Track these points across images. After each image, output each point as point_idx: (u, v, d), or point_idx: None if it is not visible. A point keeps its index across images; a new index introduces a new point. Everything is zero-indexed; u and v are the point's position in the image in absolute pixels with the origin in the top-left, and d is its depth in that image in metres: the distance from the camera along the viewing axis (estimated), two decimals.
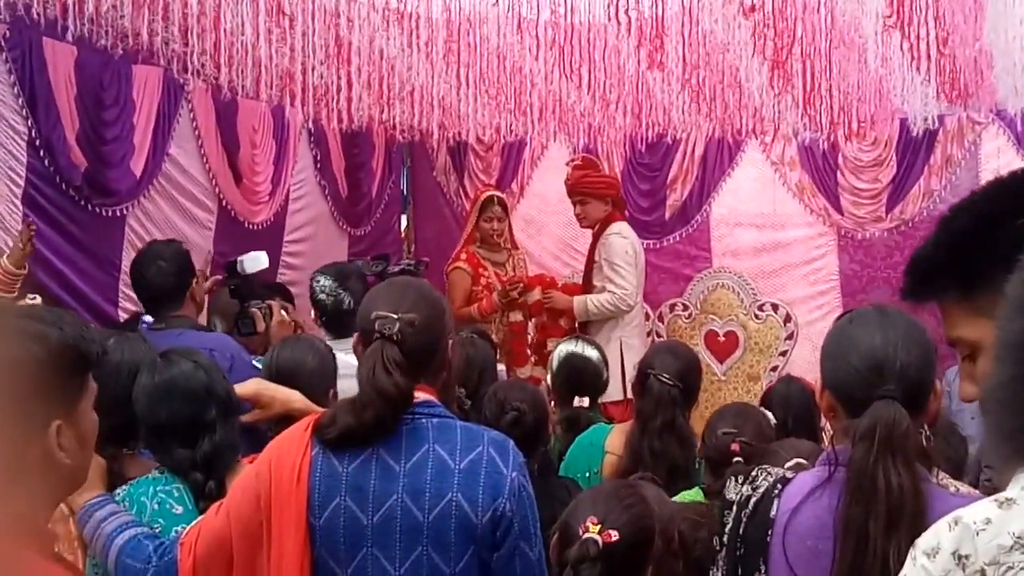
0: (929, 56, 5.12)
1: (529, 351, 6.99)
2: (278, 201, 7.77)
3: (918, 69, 5.49)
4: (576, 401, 4.41)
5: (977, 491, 2.16)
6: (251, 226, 7.49)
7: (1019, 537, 1.79)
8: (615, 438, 4.01)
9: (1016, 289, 0.61)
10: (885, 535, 1.99)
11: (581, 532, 2.36)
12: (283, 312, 4.95)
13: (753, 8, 4.68)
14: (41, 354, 1.69)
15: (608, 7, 4.44)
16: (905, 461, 2.12)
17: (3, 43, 5.58)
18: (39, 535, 1.71)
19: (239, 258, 5.38)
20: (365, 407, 2.49)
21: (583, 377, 4.55)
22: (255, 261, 5.29)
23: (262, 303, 4.97)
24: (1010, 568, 1.79)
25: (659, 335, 8.27)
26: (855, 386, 2.23)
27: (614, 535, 2.35)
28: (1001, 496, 1.87)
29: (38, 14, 4.67)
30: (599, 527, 2.36)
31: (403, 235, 9.48)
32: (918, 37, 4.88)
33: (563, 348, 4.74)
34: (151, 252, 4.87)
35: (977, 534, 1.82)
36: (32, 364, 1.68)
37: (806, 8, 5.07)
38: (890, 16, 4.77)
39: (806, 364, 7.36)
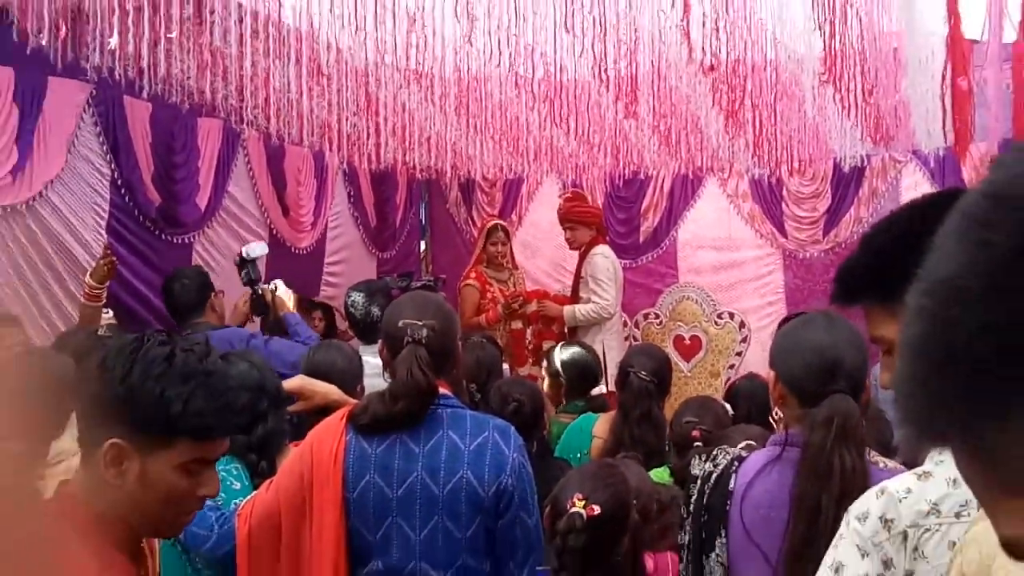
0: (857, 105, 5.12)
1: (527, 353, 6.98)
2: (319, 230, 7.78)
3: (848, 116, 5.49)
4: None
5: (902, 466, 2.13)
6: (296, 251, 7.49)
7: (935, 503, 1.78)
8: (601, 425, 3.99)
9: (912, 299, 0.60)
10: (836, 507, 1.96)
11: (568, 506, 2.34)
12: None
13: (712, 68, 4.67)
14: (134, 388, 1.62)
15: (592, 67, 4.44)
16: (856, 446, 2.11)
17: (91, 100, 5.60)
18: (111, 531, 1.65)
19: (244, 247, 5.46)
20: (397, 399, 2.49)
21: (576, 374, 4.53)
22: (257, 248, 5.37)
23: (267, 284, 5.10)
24: (927, 529, 1.77)
25: (635, 339, 8.24)
26: (809, 381, 2.20)
27: (596, 509, 2.33)
28: (919, 470, 1.86)
29: (120, 76, 4.67)
30: (584, 502, 2.33)
31: (422, 257, 9.49)
32: (848, 90, 4.87)
33: (567, 351, 4.70)
34: (178, 273, 5.11)
35: (900, 501, 1.81)
36: (114, 385, 1.63)
37: (754, 67, 5.07)
38: (824, 73, 4.77)
39: (758, 363, 7.33)
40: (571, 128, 5.93)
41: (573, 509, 2.32)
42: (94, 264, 5.02)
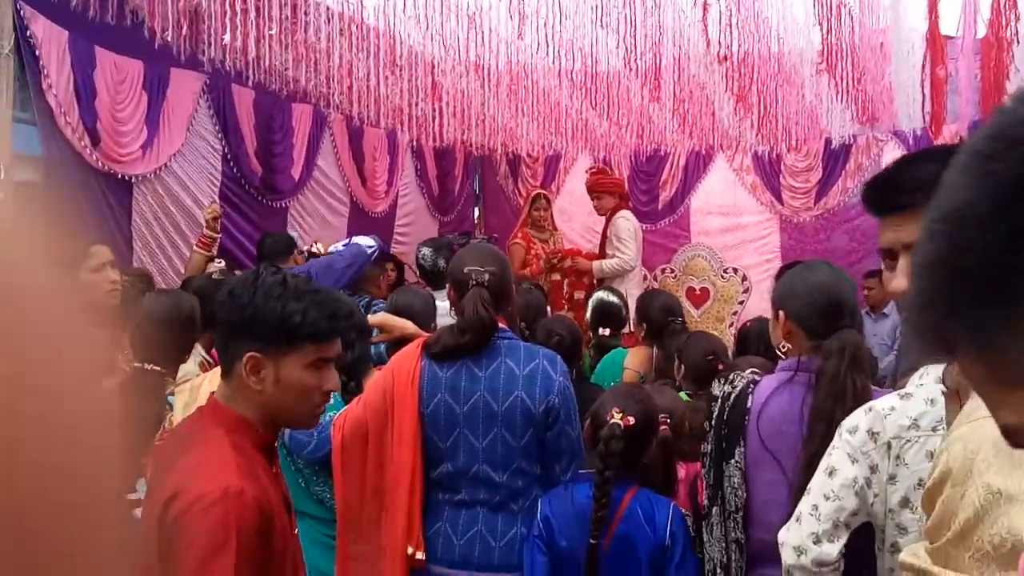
0: (848, 91, 5.01)
1: (564, 300, 6.97)
2: (391, 197, 7.78)
3: (840, 100, 5.37)
4: (600, 331, 4.37)
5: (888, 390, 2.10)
6: (373, 215, 7.50)
7: (914, 419, 1.76)
8: (630, 359, 3.97)
9: (926, 224, 0.60)
10: None
11: (608, 418, 2.34)
12: None
13: (725, 58, 4.59)
14: (261, 308, 1.65)
15: (623, 58, 4.38)
16: (864, 371, 2.08)
17: (205, 87, 5.61)
18: (251, 432, 1.69)
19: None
20: (464, 332, 2.49)
21: (606, 315, 4.51)
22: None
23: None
24: (908, 440, 1.76)
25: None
26: (817, 317, 2.16)
27: (631, 420, 2.34)
28: (902, 391, 1.84)
29: (229, 67, 4.68)
30: (621, 415, 2.34)
31: (476, 221, 9.45)
32: (841, 77, 4.77)
33: (597, 295, 4.69)
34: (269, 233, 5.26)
35: (885, 417, 1.79)
36: (244, 309, 1.66)
37: (761, 57, 4.98)
38: (821, 63, 4.67)
39: (757, 310, 7.23)
40: (603, 111, 5.86)
41: (612, 420, 2.32)
42: (208, 211, 5.07)
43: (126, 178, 5.09)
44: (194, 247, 4.96)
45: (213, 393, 1.75)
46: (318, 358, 1.70)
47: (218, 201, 5.68)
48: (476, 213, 9.46)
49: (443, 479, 2.51)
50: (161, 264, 5.31)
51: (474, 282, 2.51)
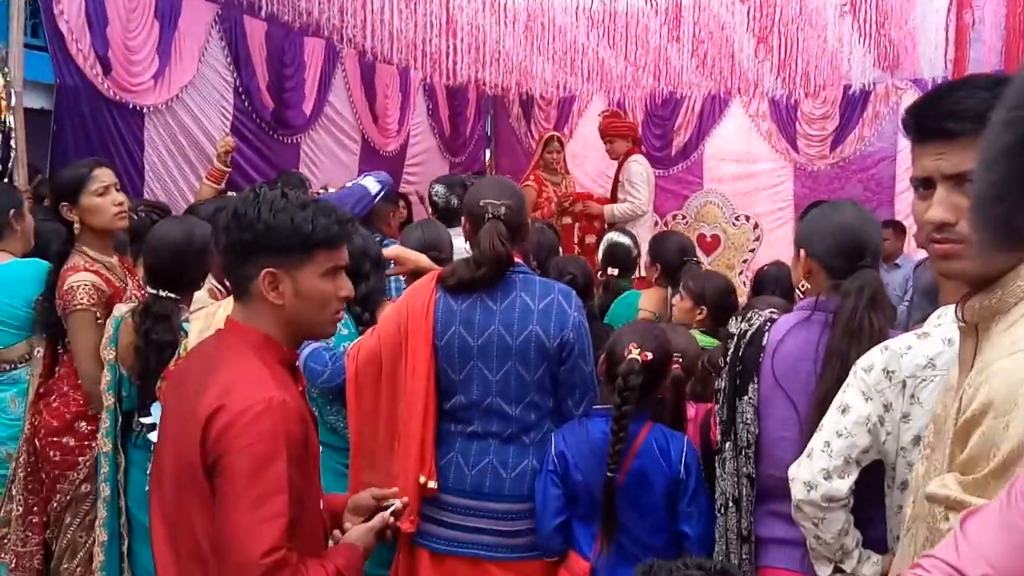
0: (871, 34, 4.91)
1: (575, 244, 6.93)
2: (403, 136, 7.72)
3: (863, 44, 5.27)
4: (609, 271, 4.35)
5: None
6: (384, 153, 7.45)
7: (931, 358, 1.76)
8: (644, 300, 3.95)
9: (1000, 115, 0.57)
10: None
11: (626, 354, 2.34)
12: None
13: None
14: (270, 223, 1.64)
15: None
16: (882, 312, 2.06)
17: (217, 19, 5.54)
18: (276, 350, 1.70)
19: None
20: (480, 265, 2.46)
21: (617, 256, 4.48)
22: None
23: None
24: (923, 380, 1.76)
25: None
26: (840, 257, 2.13)
27: (649, 355, 2.33)
28: (919, 331, 1.83)
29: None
30: (639, 350, 2.33)
31: (487, 163, 9.38)
32: (864, 20, 4.67)
33: (608, 236, 4.66)
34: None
35: (901, 356, 1.78)
36: (253, 226, 1.64)
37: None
38: (845, 4, 4.57)
39: (767, 258, 7.20)
40: (621, 51, 5.76)
41: (630, 355, 2.31)
42: (221, 144, 5.02)
43: (138, 108, 5.05)
44: (204, 179, 4.94)
45: (230, 316, 1.74)
46: (333, 266, 1.72)
47: (230, 134, 5.64)
48: (487, 155, 9.38)
49: (456, 410, 2.52)
50: (172, 195, 5.31)
51: (490, 215, 2.48)
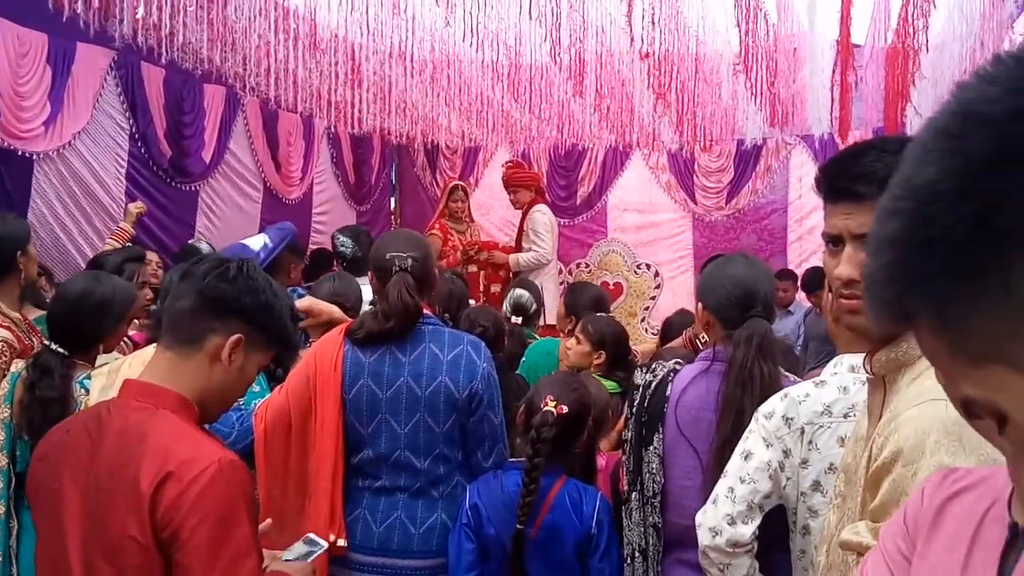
0: (762, 92, 5.18)
1: (480, 292, 6.99)
2: (306, 184, 7.66)
3: (755, 101, 5.55)
4: (513, 319, 4.41)
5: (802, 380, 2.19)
6: (287, 201, 7.38)
7: (828, 405, 1.85)
8: (562, 348, 4.01)
9: (888, 201, 0.61)
10: (756, 408, 2.02)
11: (542, 405, 2.38)
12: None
13: (647, 55, 4.69)
14: (266, 301, 1.68)
15: (550, 51, 4.43)
16: (772, 359, 2.16)
17: (113, 64, 5.43)
18: (191, 412, 1.65)
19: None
20: (388, 318, 2.48)
21: (521, 310, 4.54)
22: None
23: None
24: (820, 426, 1.84)
25: (565, 283, 8.30)
26: (731, 308, 2.25)
27: (565, 408, 2.38)
28: (816, 379, 1.93)
29: (140, 44, 4.54)
30: (555, 403, 2.38)
31: (392, 211, 9.40)
32: (756, 79, 4.92)
33: (514, 292, 4.73)
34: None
35: (800, 403, 1.87)
36: (246, 292, 1.67)
37: (681, 58, 5.10)
38: (738, 63, 4.81)
39: (668, 306, 7.43)
40: (526, 104, 5.90)
41: (546, 408, 2.35)
42: (127, 210, 4.90)
43: (27, 155, 4.89)
44: (109, 238, 4.81)
45: (142, 374, 1.68)
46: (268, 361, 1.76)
47: (124, 181, 5.52)
48: (392, 203, 9.40)
49: (364, 465, 2.51)
50: (62, 245, 5.12)
51: (397, 267, 2.50)
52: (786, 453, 1.86)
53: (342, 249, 4.69)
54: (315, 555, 1.92)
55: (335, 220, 7.69)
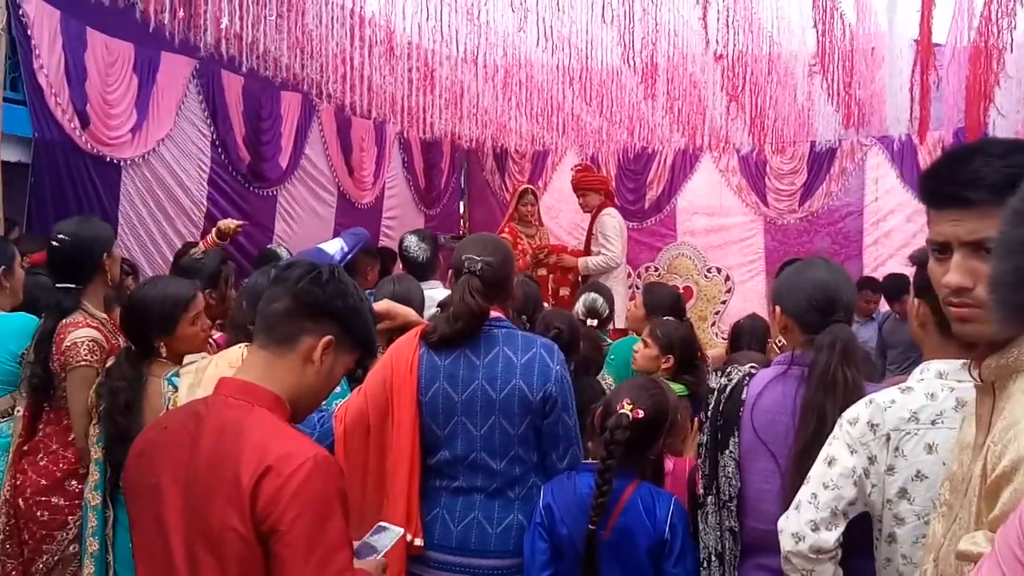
0: (839, 93, 5.08)
1: (548, 296, 6.99)
2: (378, 189, 7.79)
3: (831, 103, 5.45)
4: (588, 322, 4.40)
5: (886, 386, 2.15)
6: (360, 206, 7.51)
7: (914, 412, 1.81)
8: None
9: (1017, 202, 0.60)
10: (838, 414, 1.98)
11: (618, 408, 2.38)
12: None
13: (721, 57, 4.64)
14: (356, 305, 1.76)
15: (622, 54, 4.42)
16: (855, 365, 2.13)
17: (195, 72, 5.60)
18: (284, 412, 1.70)
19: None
20: (457, 320, 2.50)
21: (595, 309, 4.53)
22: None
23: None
24: (907, 433, 1.81)
25: (638, 287, 8.24)
26: (812, 312, 2.21)
27: (641, 412, 2.37)
28: (902, 385, 1.89)
29: (221, 53, 4.68)
30: (631, 406, 2.37)
31: (461, 216, 9.48)
32: (833, 79, 4.84)
33: (587, 295, 4.72)
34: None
35: (885, 409, 1.83)
36: (338, 296, 1.73)
37: (755, 58, 5.04)
38: (814, 64, 4.74)
39: (738, 311, 7.34)
40: (597, 107, 5.90)
41: (622, 411, 2.36)
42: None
43: (115, 161, 5.08)
44: (202, 244, 4.96)
45: (237, 372, 1.74)
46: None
47: (206, 186, 5.68)
48: (461, 207, 9.48)
49: (441, 466, 2.53)
50: (147, 248, 5.31)
51: (467, 270, 2.53)
52: (871, 460, 1.83)
53: (406, 252, 4.73)
54: (388, 546, 1.95)
55: (404, 224, 7.80)
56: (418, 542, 2.46)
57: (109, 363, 2.90)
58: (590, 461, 2.48)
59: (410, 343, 2.63)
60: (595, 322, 4.37)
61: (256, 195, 6.23)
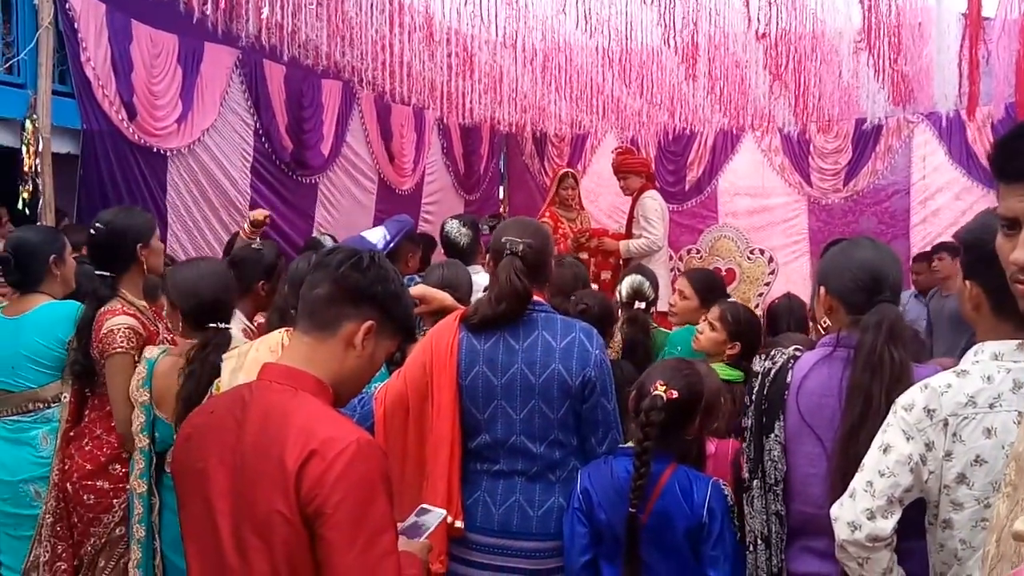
0: (885, 70, 4.96)
1: (591, 278, 6.94)
2: (418, 175, 7.80)
3: (877, 79, 5.32)
4: (636, 304, 4.34)
5: (937, 367, 2.09)
6: (400, 192, 7.53)
7: (971, 396, 1.76)
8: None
9: None
10: (885, 395, 1.93)
11: (652, 390, 2.35)
12: None
13: (764, 35, 4.55)
14: (395, 291, 1.76)
15: (662, 35, 4.35)
16: (902, 345, 2.07)
17: (238, 63, 5.65)
18: (327, 396, 1.70)
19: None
20: (500, 301, 2.49)
21: (640, 294, 4.47)
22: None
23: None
24: (964, 418, 1.76)
25: (679, 270, 8.16)
26: (858, 292, 2.15)
27: (675, 394, 2.34)
28: (957, 369, 1.84)
29: (263, 43, 4.71)
30: (664, 388, 2.34)
31: (500, 200, 9.46)
32: (879, 56, 4.71)
33: (632, 278, 4.65)
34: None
35: (941, 394, 1.78)
36: (379, 280, 1.73)
37: (799, 36, 4.93)
38: (860, 40, 4.62)
39: (782, 292, 7.21)
40: (637, 89, 5.83)
41: (655, 392, 2.33)
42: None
43: (161, 152, 5.14)
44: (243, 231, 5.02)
45: (281, 357, 1.75)
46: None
47: (249, 175, 5.74)
48: (501, 192, 9.47)
49: (482, 449, 2.53)
50: (194, 236, 5.38)
51: (509, 251, 2.52)
52: (928, 446, 1.78)
53: (449, 237, 4.72)
54: (431, 528, 1.95)
55: (444, 210, 7.81)
56: (459, 524, 2.46)
57: (189, 348, 2.87)
58: (626, 445, 2.45)
59: (450, 327, 2.62)
60: (642, 305, 4.30)
61: (298, 183, 6.28)
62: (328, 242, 5.12)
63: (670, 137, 8.22)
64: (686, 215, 8.37)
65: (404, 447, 2.56)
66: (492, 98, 6.07)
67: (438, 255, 5.71)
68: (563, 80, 5.89)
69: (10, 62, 4.58)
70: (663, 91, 6.20)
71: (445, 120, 7.85)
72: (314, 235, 5.79)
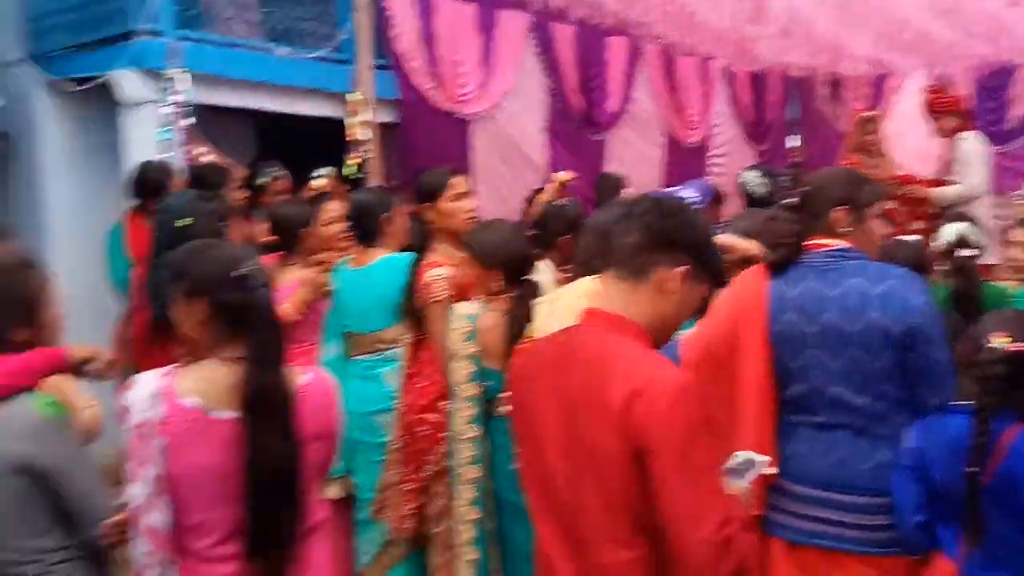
0: None
1: (898, 230, 6.46)
2: (705, 127, 7.67)
3: None
4: (964, 252, 3.99)
5: None
6: (686, 145, 7.45)
7: None
8: None
9: None
10: None
11: (989, 342, 2.16)
12: None
13: None
14: (703, 239, 1.79)
15: None
16: None
17: (531, 27, 5.86)
18: (648, 342, 1.75)
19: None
20: (777, 249, 2.51)
21: (966, 242, 4.09)
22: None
23: None
24: None
25: (1000, 219, 7.35)
26: None
27: (1021, 346, 2.14)
28: None
29: (551, 7, 4.85)
30: (1009, 339, 2.15)
31: (798, 149, 9.02)
32: None
33: (954, 224, 4.27)
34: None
35: None
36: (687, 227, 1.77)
37: None
38: None
39: None
40: (949, 18, 5.29)
41: (993, 344, 2.14)
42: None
43: (464, 117, 5.48)
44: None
45: (598, 304, 1.79)
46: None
47: (545, 133, 5.93)
48: (795, 140, 9.04)
49: (798, 399, 2.46)
50: (500, 198, 5.68)
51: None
52: None
53: (747, 188, 4.62)
54: (753, 474, 1.95)
55: (734, 162, 7.60)
56: (774, 470, 2.43)
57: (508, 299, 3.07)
58: (960, 401, 2.28)
59: (756, 275, 2.58)
60: (969, 253, 3.93)
61: (588, 140, 6.41)
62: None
63: (988, 72, 7.37)
64: (1008, 158, 7.49)
65: (712, 395, 2.57)
66: (783, 43, 5.79)
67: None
68: (864, 16, 5.47)
69: (333, 42, 5.07)
70: (980, 20, 5.55)
71: (732, 69, 7.62)
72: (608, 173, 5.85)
